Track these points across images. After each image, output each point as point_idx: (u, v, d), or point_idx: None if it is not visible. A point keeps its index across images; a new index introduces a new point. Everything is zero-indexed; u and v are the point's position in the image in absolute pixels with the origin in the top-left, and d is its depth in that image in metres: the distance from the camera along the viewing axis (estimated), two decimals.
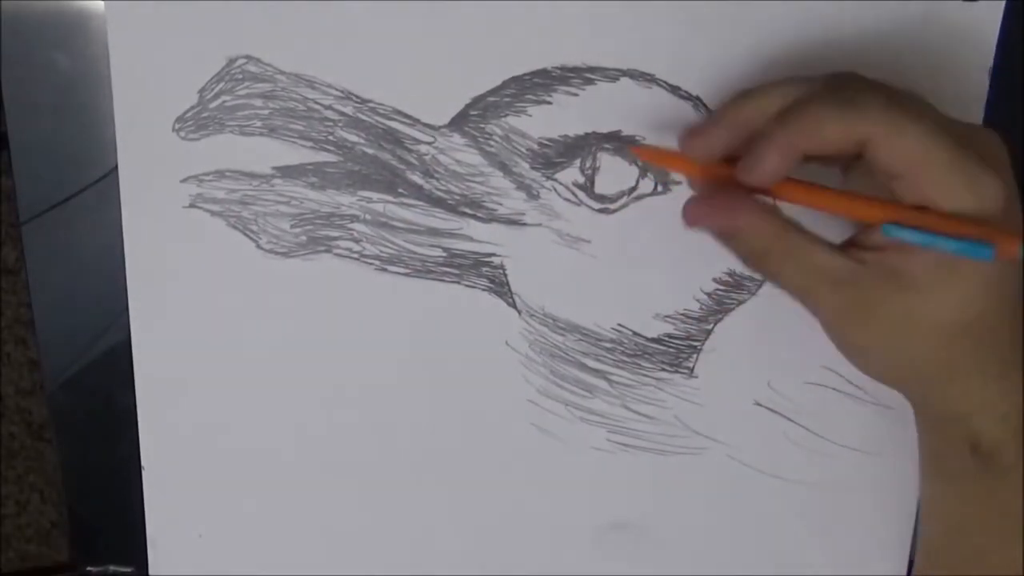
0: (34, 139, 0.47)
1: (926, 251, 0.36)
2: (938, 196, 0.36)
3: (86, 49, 0.46)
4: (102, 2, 0.44)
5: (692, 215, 0.41)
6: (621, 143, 0.46)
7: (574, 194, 0.47)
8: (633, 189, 0.46)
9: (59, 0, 0.45)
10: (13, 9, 0.45)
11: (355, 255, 0.47)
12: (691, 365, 0.49)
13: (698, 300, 0.48)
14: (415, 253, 0.47)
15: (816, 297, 0.39)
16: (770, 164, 0.37)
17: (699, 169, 0.41)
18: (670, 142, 0.46)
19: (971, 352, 0.38)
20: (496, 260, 0.47)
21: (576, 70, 0.45)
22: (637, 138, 0.46)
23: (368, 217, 0.47)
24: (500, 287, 0.48)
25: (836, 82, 0.38)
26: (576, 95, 0.46)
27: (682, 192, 0.46)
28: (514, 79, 0.45)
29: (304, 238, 0.47)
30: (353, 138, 0.46)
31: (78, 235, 0.48)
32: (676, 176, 0.46)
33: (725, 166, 0.40)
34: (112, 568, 0.53)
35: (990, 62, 0.46)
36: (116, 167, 0.46)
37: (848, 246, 0.39)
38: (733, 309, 0.48)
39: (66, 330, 0.50)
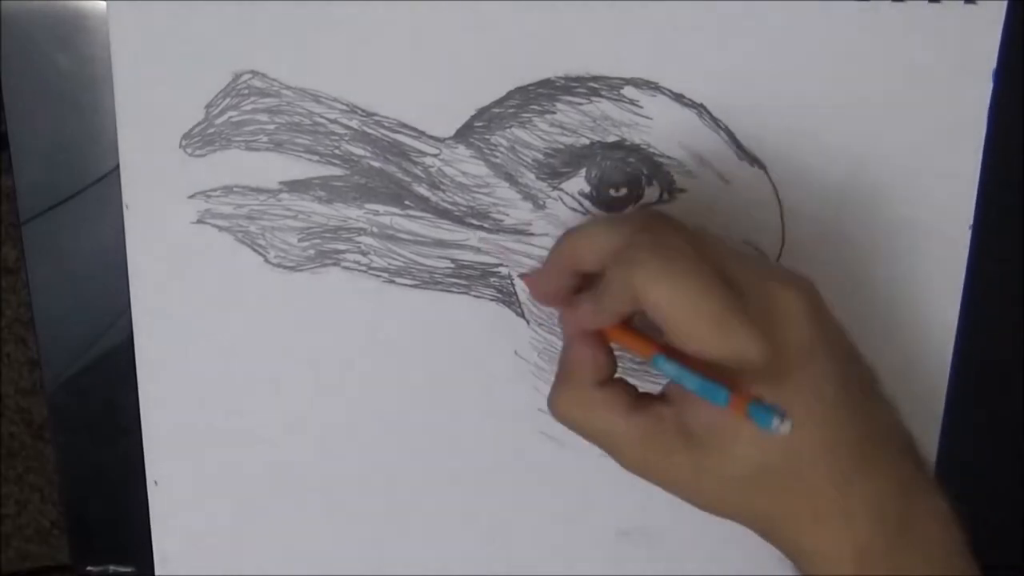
0: (34, 139, 0.47)
1: (708, 409, 0.37)
2: (690, 345, 0.37)
3: (86, 49, 0.45)
4: (102, 2, 0.44)
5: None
6: (626, 152, 0.46)
7: (580, 203, 0.47)
8: (638, 197, 0.46)
9: (59, 0, 0.45)
10: (13, 9, 0.45)
11: (363, 268, 0.47)
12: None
13: None
14: (423, 265, 0.47)
15: (618, 453, 0.40)
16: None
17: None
18: (676, 151, 0.46)
19: (771, 501, 0.38)
20: (504, 270, 0.47)
21: (580, 79, 0.45)
22: (642, 147, 0.46)
23: (375, 230, 0.47)
24: (508, 297, 0.48)
25: (624, 238, 0.39)
26: (580, 104, 0.46)
27: (688, 199, 0.46)
28: (518, 90, 0.45)
29: (312, 252, 0.47)
30: (359, 151, 0.46)
31: (78, 235, 0.48)
32: (681, 184, 0.46)
33: None
34: (112, 568, 0.53)
35: (993, 64, 0.46)
36: (116, 167, 0.46)
37: (654, 400, 0.40)
38: None
39: (66, 330, 0.50)
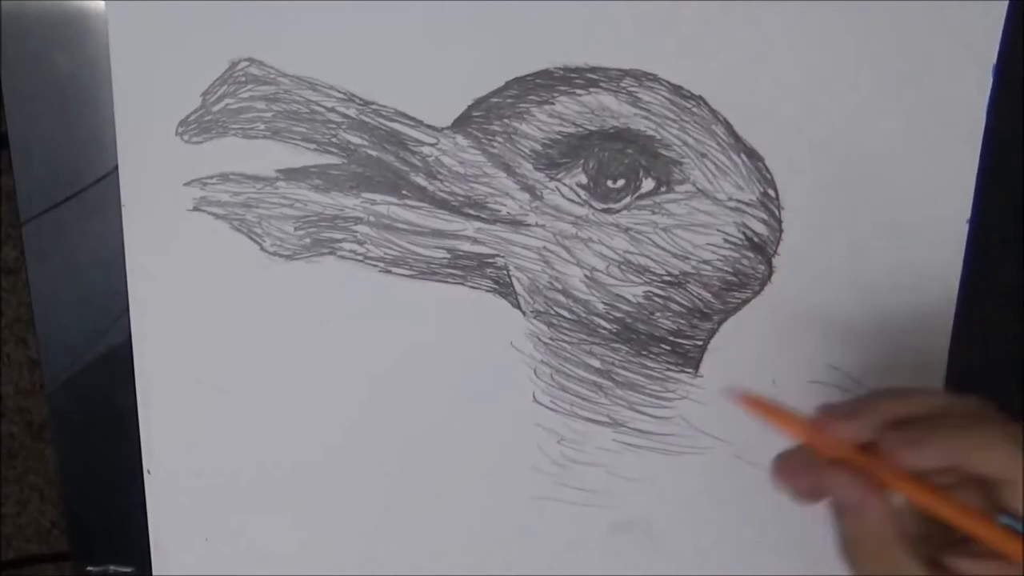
0: (34, 139, 0.47)
1: None
2: None
3: (86, 49, 0.46)
4: (102, 2, 0.44)
5: (791, 472, 0.39)
6: (624, 143, 0.46)
7: (577, 194, 0.46)
8: (636, 188, 0.46)
9: (59, 0, 0.45)
10: (13, 9, 0.45)
11: (359, 257, 0.47)
12: (696, 364, 0.49)
13: (703, 299, 0.48)
14: (419, 255, 0.47)
15: None
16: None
17: (807, 434, 0.38)
18: (675, 143, 0.46)
19: None
20: (500, 261, 0.47)
21: (578, 70, 0.45)
22: (640, 138, 0.46)
23: (372, 219, 0.47)
24: (504, 288, 0.48)
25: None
26: (579, 95, 0.45)
27: (685, 191, 0.46)
28: (517, 80, 0.45)
29: (308, 240, 0.47)
30: (356, 140, 0.46)
31: (78, 235, 0.48)
32: (678, 175, 0.46)
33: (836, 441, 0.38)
34: (112, 568, 0.53)
35: (993, 60, 0.46)
36: (116, 167, 0.46)
37: (930, 561, 0.39)
38: (738, 308, 0.48)
39: (66, 330, 0.50)
